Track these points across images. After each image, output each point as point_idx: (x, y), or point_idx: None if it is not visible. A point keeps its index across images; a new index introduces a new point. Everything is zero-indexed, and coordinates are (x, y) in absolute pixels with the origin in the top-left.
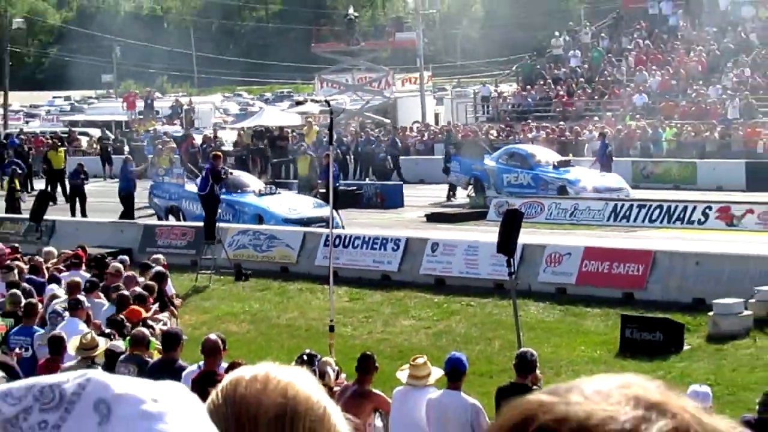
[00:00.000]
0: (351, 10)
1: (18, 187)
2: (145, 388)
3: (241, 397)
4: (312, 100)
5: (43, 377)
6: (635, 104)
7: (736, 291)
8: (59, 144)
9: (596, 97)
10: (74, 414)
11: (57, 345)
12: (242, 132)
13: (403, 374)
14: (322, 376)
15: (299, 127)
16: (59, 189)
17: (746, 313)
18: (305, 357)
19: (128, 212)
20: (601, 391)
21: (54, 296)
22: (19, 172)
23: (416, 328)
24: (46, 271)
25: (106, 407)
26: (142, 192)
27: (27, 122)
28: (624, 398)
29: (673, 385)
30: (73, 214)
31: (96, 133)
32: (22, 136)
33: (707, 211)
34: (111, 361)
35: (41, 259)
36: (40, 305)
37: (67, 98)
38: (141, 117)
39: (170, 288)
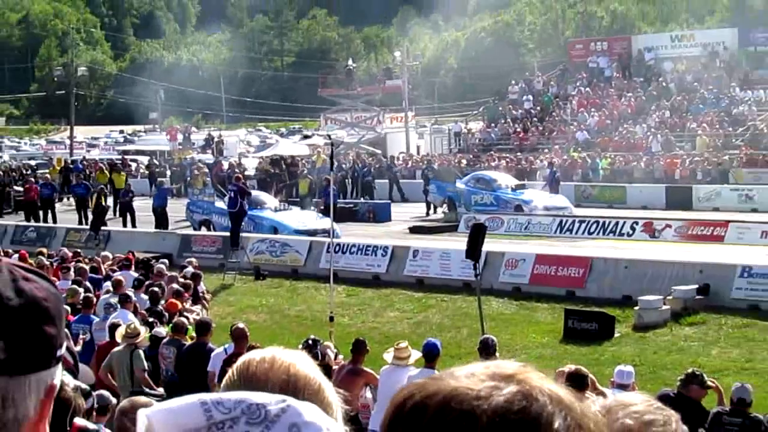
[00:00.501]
0: (350, 62)
1: (103, 202)
2: (324, 420)
3: (252, 374)
4: (318, 134)
5: (251, 395)
6: (577, 139)
7: (656, 289)
8: (121, 168)
9: (546, 134)
10: (273, 431)
11: (114, 331)
12: (262, 160)
13: (388, 356)
14: (323, 356)
15: (307, 156)
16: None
17: (664, 307)
18: (310, 341)
19: (160, 223)
20: (468, 373)
21: (108, 291)
22: (105, 190)
23: (399, 319)
24: (103, 271)
25: (297, 430)
26: (179, 207)
27: (88, 151)
28: (484, 375)
29: (602, 369)
30: (125, 225)
31: (144, 160)
32: (84, 162)
33: (634, 225)
34: (155, 344)
35: (100, 261)
36: (95, 298)
37: (121, 131)
38: (180, 147)
39: (202, 285)
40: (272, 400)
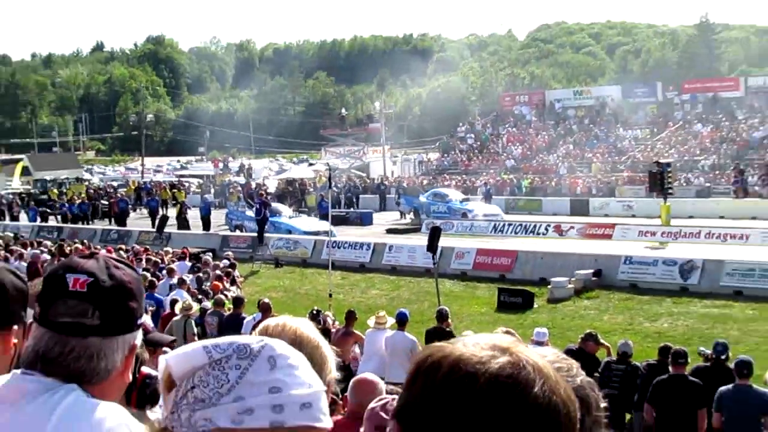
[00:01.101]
0: (343, 111)
1: (185, 213)
2: (291, 351)
3: (269, 335)
4: (320, 163)
5: (239, 338)
6: (506, 165)
7: (563, 273)
8: (180, 187)
9: (484, 161)
10: (256, 363)
11: (173, 305)
12: (280, 181)
13: (371, 321)
14: (324, 322)
15: (312, 178)
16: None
17: (569, 286)
18: (314, 311)
19: (206, 227)
20: (475, 342)
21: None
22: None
23: (379, 295)
24: (166, 261)
25: (273, 360)
26: (220, 216)
27: (154, 175)
28: (486, 345)
29: (525, 331)
30: (179, 228)
31: (195, 181)
32: (151, 183)
33: (547, 227)
34: (202, 315)
35: (163, 254)
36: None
37: (178, 161)
38: (221, 172)
39: (237, 272)
40: (254, 340)
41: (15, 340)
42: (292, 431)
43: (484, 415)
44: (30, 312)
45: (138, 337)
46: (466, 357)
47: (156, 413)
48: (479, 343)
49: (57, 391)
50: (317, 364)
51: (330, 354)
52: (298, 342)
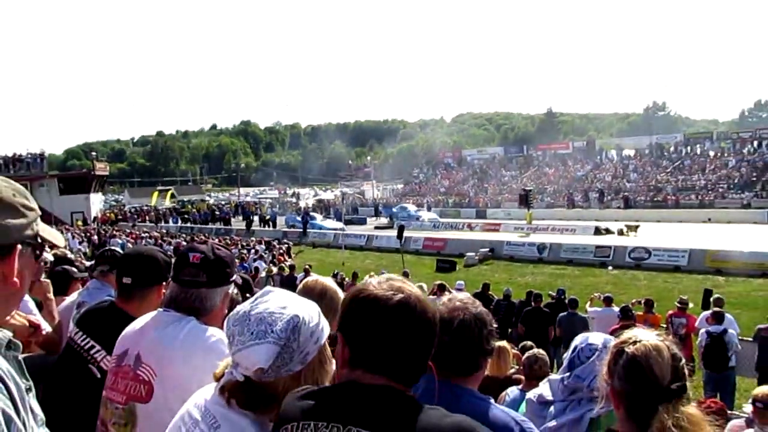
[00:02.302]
0: (350, 162)
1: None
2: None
3: (308, 287)
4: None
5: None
6: (440, 191)
7: (473, 250)
8: (262, 204)
9: (428, 189)
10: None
11: (257, 270)
12: (315, 201)
13: (366, 278)
14: (341, 279)
15: (333, 199)
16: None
17: (476, 257)
18: (335, 273)
19: (273, 225)
20: (382, 281)
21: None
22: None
23: (371, 263)
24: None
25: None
26: (281, 220)
27: (246, 197)
28: (389, 286)
29: (451, 282)
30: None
31: (268, 201)
32: (243, 202)
33: (463, 225)
34: (273, 274)
35: (251, 241)
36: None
37: (259, 190)
38: (283, 195)
39: (291, 251)
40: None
41: (163, 292)
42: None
43: (386, 325)
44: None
45: (231, 287)
46: (371, 291)
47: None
48: (383, 282)
49: (183, 320)
50: (334, 304)
51: (342, 295)
52: (325, 291)
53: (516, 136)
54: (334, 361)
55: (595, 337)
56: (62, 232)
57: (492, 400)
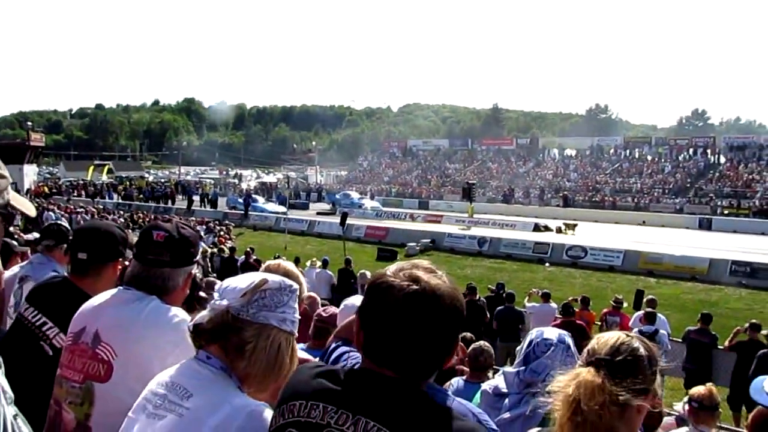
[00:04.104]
0: (294, 146)
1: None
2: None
3: (269, 268)
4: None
5: (286, 279)
6: (384, 180)
7: (414, 240)
8: (207, 184)
9: (372, 177)
10: (292, 297)
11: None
12: (257, 183)
13: (308, 263)
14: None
15: (276, 182)
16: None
17: (417, 248)
18: (276, 256)
19: (213, 206)
20: (401, 268)
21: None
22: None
23: (312, 249)
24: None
25: (294, 296)
26: (222, 201)
27: (186, 176)
28: (405, 275)
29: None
30: (200, 206)
31: (209, 181)
32: (185, 181)
33: (406, 215)
34: (212, 256)
35: (192, 221)
36: None
37: (200, 169)
38: (224, 176)
39: (232, 233)
40: (290, 283)
41: (120, 268)
42: (286, 333)
43: (395, 317)
44: (128, 253)
45: (194, 268)
46: (381, 274)
47: (201, 314)
48: (392, 269)
49: (144, 299)
50: (298, 285)
51: (304, 282)
52: (288, 273)
53: (461, 129)
54: (295, 364)
55: (550, 332)
56: None
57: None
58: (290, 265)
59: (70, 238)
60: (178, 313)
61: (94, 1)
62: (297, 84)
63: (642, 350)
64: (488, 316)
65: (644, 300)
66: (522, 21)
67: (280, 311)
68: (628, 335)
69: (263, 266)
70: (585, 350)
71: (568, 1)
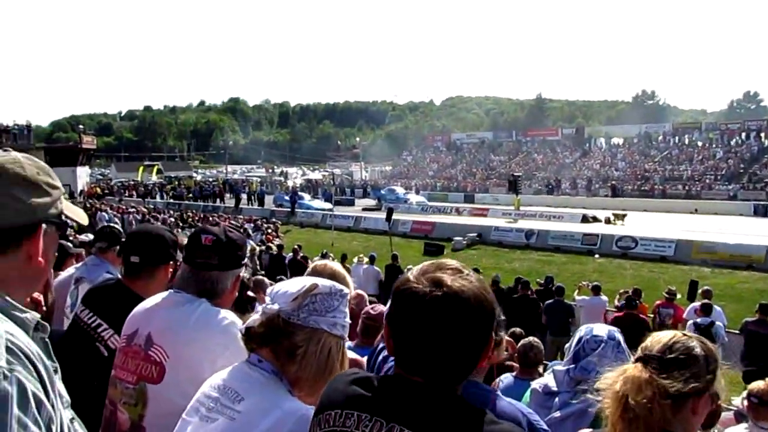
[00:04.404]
0: (339, 143)
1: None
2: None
3: (315, 269)
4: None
5: (336, 284)
6: (429, 174)
7: (460, 234)
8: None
9: (416, 172)
10: (343, 301)
11: None
12: (303, 180)
13: (355, 259)
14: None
15: (322, 179)
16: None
17: (464, 242)
18: (323, 252)
19: (261, 204)
20: (423, 271)
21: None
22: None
23: (359, 245)
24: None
25: (345, 300)
26: (269, 199)
27: (233, 175)
28: (428, 279)
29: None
30: (248, 204)
31: (256, 179)
32: (232, 180)
33: (452, 209)
34: (261, 254)
35: (240, 219)
36: None
37: (247, 168)
38: (270, 174)
39: (279, 230)
40: (341, 287)
41: (171, 270)
42: (336, 337)
43: (420, 324)
44: (179, 255)
45: (242, 270)
46: (414, 286)
47: (252, 317)
48: (416, 270)
49: (194, 302)
50: (345, 286)
51: (350, 282)
52: (335, 274)
53: (505, 121)
54: (345, 368)
55: (599, 329)
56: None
57: (499, 392)
58: (337, 266)
59: (122, 240)
60: (228, 315)
61: (141, 7)
62: (340, 80)
63: (698, 349)
64: (538, 308)
65: (699, 291)
66: (565, 8)
67: (331, 315)
68: (685, 334)
69: (310, 267)
70: (639, 347)
71: None
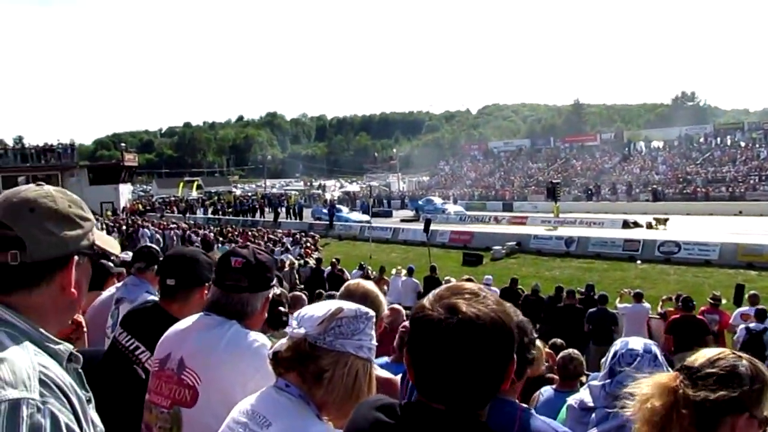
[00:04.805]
0: (376, 154)
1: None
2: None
3: (348, 289)
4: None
5: (361, 306)
6: (466, 183)
7: (499, 243)
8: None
9: (454, 181)
10: (368, 324)
11: (283, 262)
12: (341, 193)
13: (393, 271)
14: (366, 271)
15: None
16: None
17: (503, 251)
18: (360, 264)
19: (299, 217)
20: (439, 297)
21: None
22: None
23: (397, 257)
24: (279, 236)
25: (371, 323)
26: (307, 212)
27: (272, 188)
28: (443, 306)
29: (478, 277)
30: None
31: (294, 192)
32: (270, 194)
33: (490, 218)
34: (299, 268)
35: (278, 233)
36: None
37: (285, 181)
38: (308, 187)
39: (318, 243)
40: (366, 310)
41: (206, 292)
42: (363, 360)
43: (439, 353)
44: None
45: (272, 291)
46: (428, 313)
47: (279, 342)
48: (437, 304)
49: (225, 324)
50: (377, 306)
51: (383, 300)
52: (366, 295)
53: (542, 127)
54: (373, 391)
55: (635, 342)
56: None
57: (533, 411)
58: (370, 285)
59: (160, 259)
60: (258, 338)
61: (179, 26)
62: (376, 92)
63: (743, 368)
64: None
65: (746, 295)
66: (600, 11)
67: (357, 338)
68: (735, 353)
69: (343, 287)
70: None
71: None
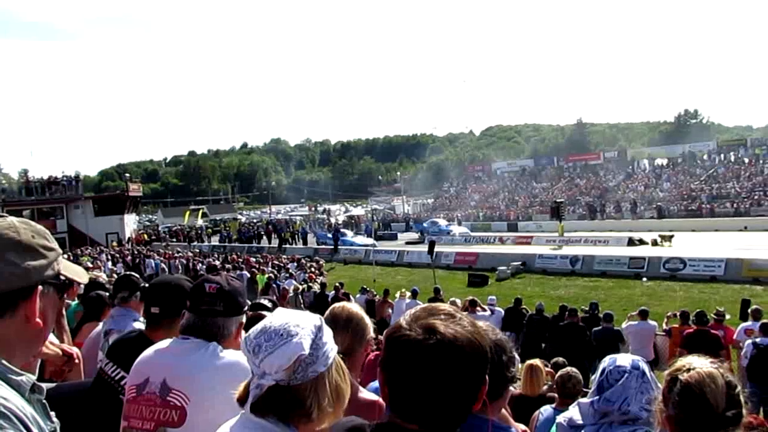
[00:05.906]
0: (380, 177)
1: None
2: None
3: (333, 312)
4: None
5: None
6: (471, 204)
7: (504, 264)
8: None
9: (458, 203)
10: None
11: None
12: (346, 217)
13: (398, 294)
14: (371, 294)
15: (364, 214)
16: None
17: (508, 271)
18: (363, 288)
19: (304, 242)
20: (415, 317)
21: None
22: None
23: (402, 279)
24: (284, 262)
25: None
26: (312, 237)
27: (276, 214)
28: (421, 326)
29: (483, 298)
30: (291, 243)
31: (299, 218)
32: (275, 220)
33: (494, 239)
34: (303, 292)
35: (283, 259)
36: (279, 275)
37: (290, 207)
38: (313, 212)
39: (323, 268)
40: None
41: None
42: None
43: (414, 372)
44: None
45: (244, 316)
46: (407, 334)
47: (252, 394)
48: (408, 314)
49: (207, 345)
50: (362, 329)
51: (369, 323)
52: (351, 317)
53: (546, 147)
54: (349, 383)
55: (623, 359)
56: (92, 259)
57: (513, 430)
58: (355, 307)
59: (142, 285)
60: (237, 354)
61: (182, 54)
62: (379, 116)
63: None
64: (588, 337)
65: (749, 310)
66: (602, 31)
67: (323, 355)
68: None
69: (328, 311)
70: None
71: (648, 6)
